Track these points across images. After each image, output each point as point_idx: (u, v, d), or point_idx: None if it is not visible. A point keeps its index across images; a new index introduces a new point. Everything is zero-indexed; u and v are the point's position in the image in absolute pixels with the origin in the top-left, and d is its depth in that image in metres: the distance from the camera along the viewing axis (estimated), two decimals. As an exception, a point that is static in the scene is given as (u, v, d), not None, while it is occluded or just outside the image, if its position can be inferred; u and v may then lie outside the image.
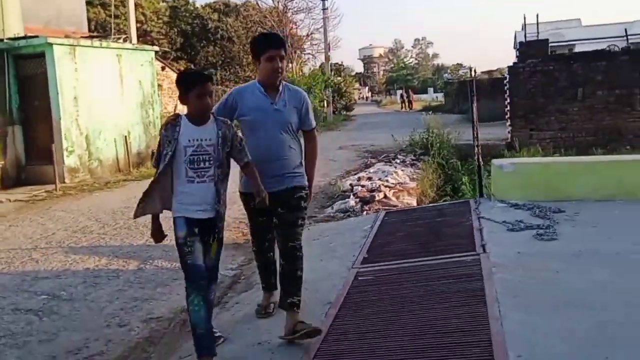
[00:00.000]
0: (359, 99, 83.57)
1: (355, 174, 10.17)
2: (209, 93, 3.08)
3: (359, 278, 4.38)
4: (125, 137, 12.29)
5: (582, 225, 4.94)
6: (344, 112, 38.32)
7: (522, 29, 32.89)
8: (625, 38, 22.76)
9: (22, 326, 4.27)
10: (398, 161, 11.71)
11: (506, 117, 15.07)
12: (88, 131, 11.56)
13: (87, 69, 11.48)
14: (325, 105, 31.86)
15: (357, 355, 3.09)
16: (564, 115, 13.90)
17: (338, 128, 26.46)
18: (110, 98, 12.07)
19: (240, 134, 3.36)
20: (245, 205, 3.64)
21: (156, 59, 18.99)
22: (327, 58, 36.29)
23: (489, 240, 4.71)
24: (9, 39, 11.21)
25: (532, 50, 14.75)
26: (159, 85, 18.65)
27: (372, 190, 7.92)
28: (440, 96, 43.31)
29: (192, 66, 31.46)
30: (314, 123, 3.67)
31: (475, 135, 6.32)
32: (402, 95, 52.54)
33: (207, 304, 3.10)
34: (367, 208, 7.31)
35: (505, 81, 15.27)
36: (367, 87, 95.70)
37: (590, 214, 5.24)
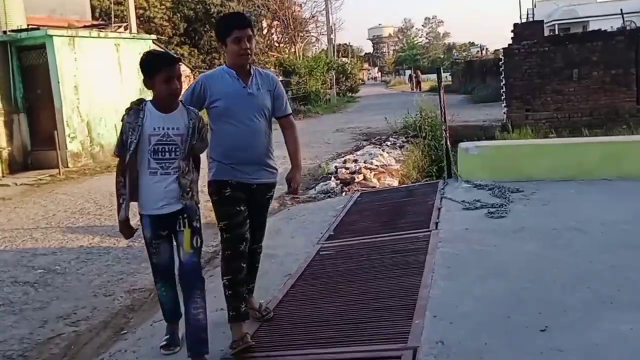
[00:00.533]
0: (368, 79, 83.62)
1: (344, 157, 10.54)
2: (177, 76, 2.85)
3: (321, 253, 4.79)
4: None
5: (534, 203, 5.29)
6: (350, 94, 38.53)
7: (534, 6, 32.72)
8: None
9: (20, 296, 4.73)
10: (389, 143, 12.06)
11: (502, 98, 15.31)
12: (89, 118, 12.02)
13: (86, 59, 11.88)
14: (328, 87, 32.17)
15: (304, 315, 3.51)
16: (559, 96, 14.09)
17: (340, 110, 26.75)
18: (110, 86, 12.46)
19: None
20: (217, 196, 3.20)
21: (159, 45, 19.40)
22: (330, 40, 36.50)
23: (444, 218, 5.09)
24: (12, 31, 11.63)
25: (526, 31, 14.91)
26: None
27: (353, 173, 8.30)
28: (449, 76, 43.27)
29: (196, 51, 31.32)
30: (289, 109, 3.45)
31: (443, 119, 6.66)
32: (410, 76, 52.56)
33: (174, 289, 3.17)
34: (346, 189, 7.69)
35: (500, 63, 15.47)
36: (376, 68, 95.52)
37: (545, 194, 5.58)
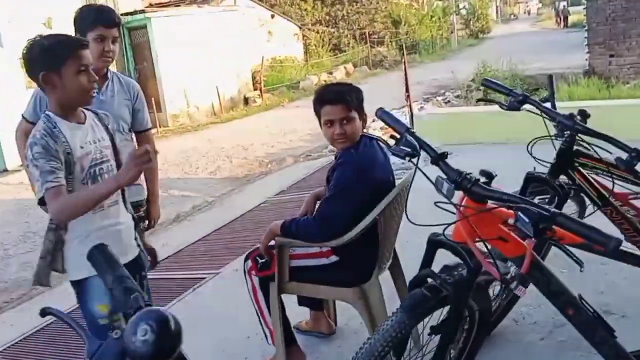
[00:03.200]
0: (524, 13, 78.38)
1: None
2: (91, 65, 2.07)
3: (260, 206, 6.23)
4: (217, 87, 14.90)
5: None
6: (482, 35, 37.41)
7: None
8: None
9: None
10: (439, 99, 12.68)
11: (584, 44, 14.81)
12: (186, 84, 14.27)
13: (181, 33, 14.02)
14: (450, 32, 31.77)
15: (189, 250, 5.01)
16: (646, 40, 13.44)
17: (452, 56, 26.43)
18: (204, 55, 14.53)
19: None
20: None
21: (267, 8, 21.18)
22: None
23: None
24: (123, 14, 13.91)
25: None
26: (269, 32, 20.92)
27: (363, 132, 9.36)
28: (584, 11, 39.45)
29: (320, 4, 31.44)
30: (149, 122, 3.01)
31: (406, 84, 7.52)
32: (556, 10, 48.70)
33: None
34: (352, 148, 8.83)
35: (583, 8, 14.89)
36: (535, 0, 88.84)
37: (466, 156, 6.25)
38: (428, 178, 1.80)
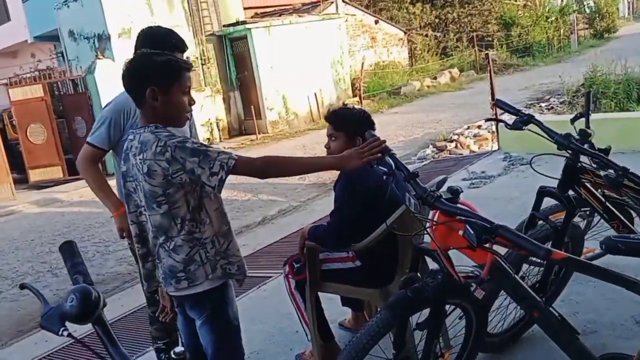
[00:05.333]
0: (658, 11, 72.24)
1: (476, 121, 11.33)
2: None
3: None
4: (315, 93, 15.40)
5: (521, 176, 6.08)
6: (606, 35, 35.04)
7: None
8: None
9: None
10: (543, 105, 12.21)
11: None
12: (285, 92, 14.91)
13: (281, 43, 14.65)
14: (569, 32, 30.02)
15: None
16: None
17: (569, 59, 25.05)
18: (303, 63, 15.07)
19: None
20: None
21: (370, 14, 21.46)
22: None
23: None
24: (225, 25, 14.96)
25: None
26: (372, 38, 21.16)
27: (451, 140, 9.34)
28: None
29: (429, 7, 30.56)
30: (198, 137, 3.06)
31: (492, 92, 7.41)
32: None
33: None
34: (437, 156, 8.88)
35: None
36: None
37: (548, 166, 6.19)
38: (397, 193, 1.97)
